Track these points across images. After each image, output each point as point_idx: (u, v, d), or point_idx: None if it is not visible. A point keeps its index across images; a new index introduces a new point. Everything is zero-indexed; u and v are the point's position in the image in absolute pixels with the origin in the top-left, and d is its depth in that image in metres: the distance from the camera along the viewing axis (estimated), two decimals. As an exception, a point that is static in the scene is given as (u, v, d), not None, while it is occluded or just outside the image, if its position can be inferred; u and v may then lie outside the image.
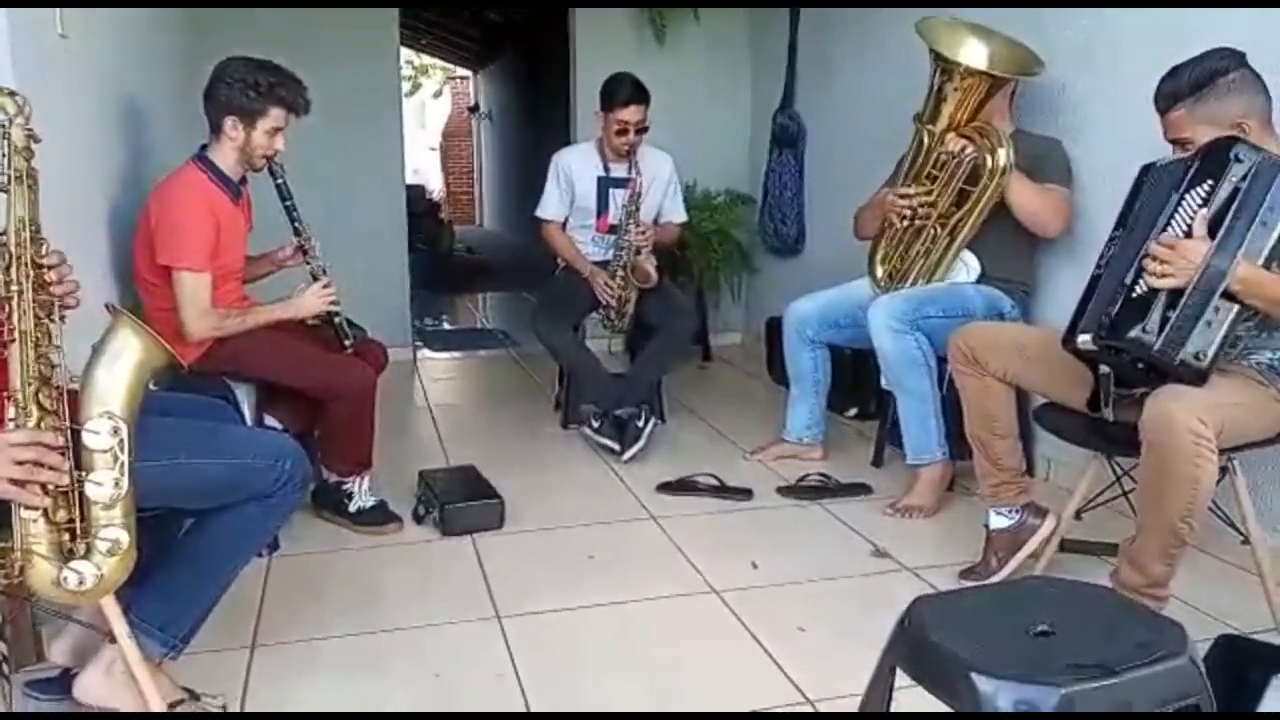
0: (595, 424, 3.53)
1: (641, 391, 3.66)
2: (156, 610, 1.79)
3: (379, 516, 2.83)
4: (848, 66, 4.40)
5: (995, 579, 2.41)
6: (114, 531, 1.52)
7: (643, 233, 3.68)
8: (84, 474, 1.50)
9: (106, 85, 2.67)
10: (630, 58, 4.91)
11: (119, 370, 1.54)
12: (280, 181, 2.76)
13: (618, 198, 3.79)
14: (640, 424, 3.46)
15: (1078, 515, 2.42)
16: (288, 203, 2.78)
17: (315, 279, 2.78)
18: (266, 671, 2.07)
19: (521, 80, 11.24)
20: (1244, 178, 1.91)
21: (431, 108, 18.03)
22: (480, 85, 15.47)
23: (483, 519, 2.83)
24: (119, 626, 1.69)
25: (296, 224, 2.82)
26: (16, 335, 1.47)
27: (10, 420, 1.47)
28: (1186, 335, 1.92)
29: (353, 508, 2.82)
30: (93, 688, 1.79)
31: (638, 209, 3.70)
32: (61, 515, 1.50)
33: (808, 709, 1.93)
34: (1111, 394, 2.13)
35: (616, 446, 3.43)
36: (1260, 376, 2.05)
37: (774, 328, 4.19)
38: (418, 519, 2.88)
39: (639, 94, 3.66)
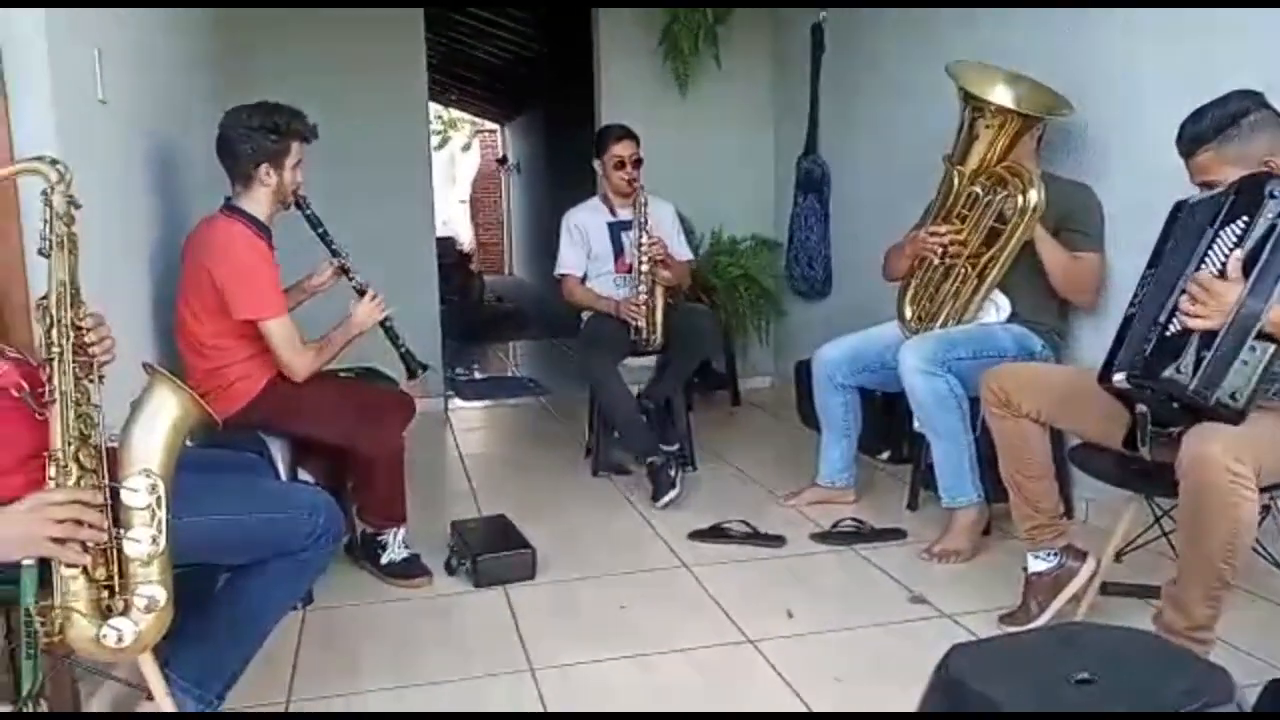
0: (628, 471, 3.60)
1: (673, 431, 3.79)
2: (193, 667, 1.80)
3: (409, 569, 2.83)
4: (870, 112, 4.44)
5: (1036, 624, 2.36)
6: (151, 589, 1.54)
7: (654, 242, 3.81)
8: (122, 531, 1.52)
9: (143, 147, 2.75)
10: (654, 107, 5.00)
11: (156, 428, 1.57)
12: (309, 212, 2.80)
13: (629, 239, 3.92)
14: (673, 472, 3.47)
15: (1118, 557, 2.38)
16: (320, 229, 2.82)
17: (361, 295, 2.81)
18: (301, 727, 2.07)
19: (548, 132, 11.42)
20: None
21: (460, 161, 18.34)
22: (508, 138, 15.73)
23: (515, 570, 2.82)
24: (157, 684, 1.71)
25: (333, 245, 2.84)
26: (57, 396, 1.51)
27: (50, 479, 1.50)
28: (1222, 376, 1.89)
29: (384, 560, 2.83)
30: None
31: (646, 221, 3.83)
32: (100, 573, 1.52)
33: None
34: (1149, 433, 2.10)
35: (651, 491, 3.46)
36: (1298, 413, 2.02)
37: (803, 371, 4.18)
38: (450, 570, 2.88)
39: (626, 131, 3.97)
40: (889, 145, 4.26)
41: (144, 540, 1.52)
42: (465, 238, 16.64)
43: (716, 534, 3.13)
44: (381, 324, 2.84)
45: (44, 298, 1.55)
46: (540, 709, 2.11)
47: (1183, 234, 2.10)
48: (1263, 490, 1.91)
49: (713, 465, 4.01)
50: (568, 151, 8.98)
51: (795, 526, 3.20)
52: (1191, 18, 2.69)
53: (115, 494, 1.53)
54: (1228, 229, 1.96)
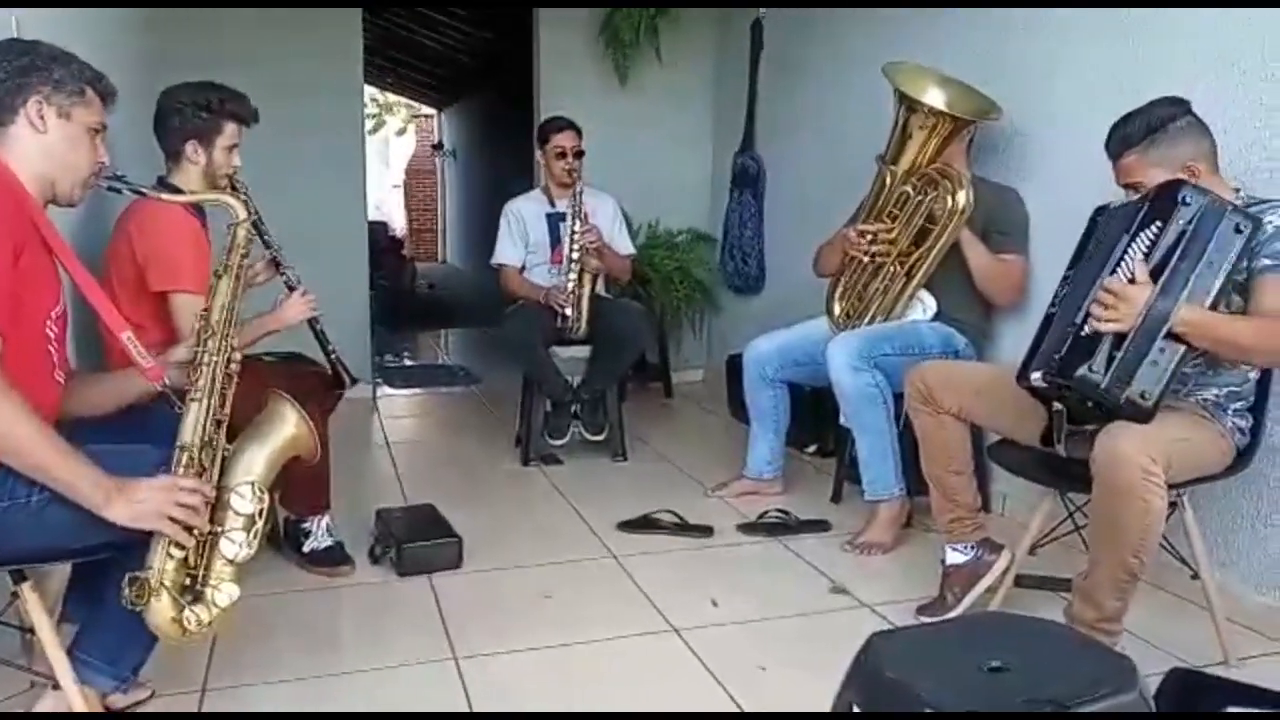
0: (555, 438, 3.87)
1: (602, 421, 3.91)
2: (103, 647, 1.76)
3: (332, 558, 2.77)
4: (806, 110, 4.48)
5: (951, 615, 2.41)
6: (231, 587, 1.67)
7: (587, 229, 3.86)
8: (222, 530, 1.67)
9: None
10: (593, 98, 4.98)
11: (268, 445, 1.77)
12: (244, 199, 2.72)
13: (566, 230, 3.94)
14: (604, 415, 3.80)
15: (1032, 551, 2.44)
16: (254, 217, 2.74)
17: (291, 289, 2.74)
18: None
19: (486, 119, 11.31)
20: (1190, 220, 1.95)
21: (395, 145, 18.07)
22: (444, 123, 15.54)
23: (440, 559, 2.79)
24: (64, 673, 1.68)
25: (266, 237, 2.75)
26: (201, 396, 1.72)
27: (181, 468, 1.66)
28: (1132, 375, 1.96)
29: (307, 548, 2.77)
30: None
31: (582, 215, 3.88)
32: (192, 561, 1.64)
33: (767, 748, 1.92)
34: (1064, 430, 2.16)
35: (585, 432, 3.81)
36: (1205, 413, 2.10)
37: (735, 365, 4.21)
38: (374, 559, 2.84)
39: (569, 122, 4.01)
40: (823, 143, 4.31)
41: (239, 544, 1.67)
42: (398, 223, 16.41)
43: (645, 524, 3.14)
44: (311, 326, 2.76)
45: (207, 310, 1.80)
46: (463, 698, 2.09)
47: (1101, 237, 2.17)
48: (1171, 488, 1.98)
49: (644, 456, 4.02)
50: (505, 139, 8.91)
51: (723, 517, 3.23)
52: (1118, 22, 2.76)
53: (218, 496, 1.68)
54: (1143, 234, 2.02)
